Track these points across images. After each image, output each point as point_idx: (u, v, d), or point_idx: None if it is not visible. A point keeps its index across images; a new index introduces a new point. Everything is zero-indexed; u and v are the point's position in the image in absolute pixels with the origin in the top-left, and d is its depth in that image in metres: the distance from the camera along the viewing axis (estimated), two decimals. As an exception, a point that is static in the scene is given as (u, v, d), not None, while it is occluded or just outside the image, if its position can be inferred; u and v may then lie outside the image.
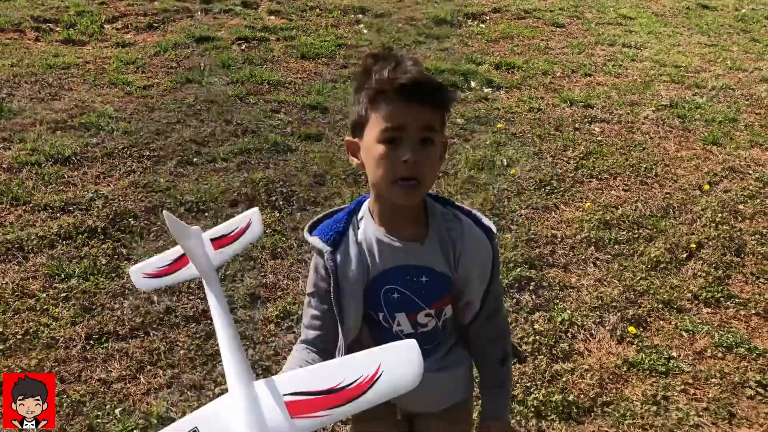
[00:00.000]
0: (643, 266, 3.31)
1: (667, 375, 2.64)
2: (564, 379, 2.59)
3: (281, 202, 3.74)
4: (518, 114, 5.12)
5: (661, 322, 2.96)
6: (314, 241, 1.34)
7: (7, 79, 5.24)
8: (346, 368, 0.94)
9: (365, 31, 6.93)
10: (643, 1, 8.83)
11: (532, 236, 3.50)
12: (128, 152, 4.21)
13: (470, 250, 1.32)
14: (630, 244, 3.49)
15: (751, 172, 4.36)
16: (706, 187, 4.10)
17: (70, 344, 2.68)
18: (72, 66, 5.60)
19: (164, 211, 1.27)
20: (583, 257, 3.38)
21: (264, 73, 5.65)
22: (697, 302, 3.10)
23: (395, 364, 0.95)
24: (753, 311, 3.05)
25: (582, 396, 2.51)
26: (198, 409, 1.04)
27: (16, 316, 2.81)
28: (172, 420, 2.32)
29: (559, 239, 3.50)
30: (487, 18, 7.68)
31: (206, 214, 3.60)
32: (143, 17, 6.92)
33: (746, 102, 5.58)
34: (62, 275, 3.06)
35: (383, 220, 1.32)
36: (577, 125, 4.94)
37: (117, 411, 2.36)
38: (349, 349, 1.35)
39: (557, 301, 3.04)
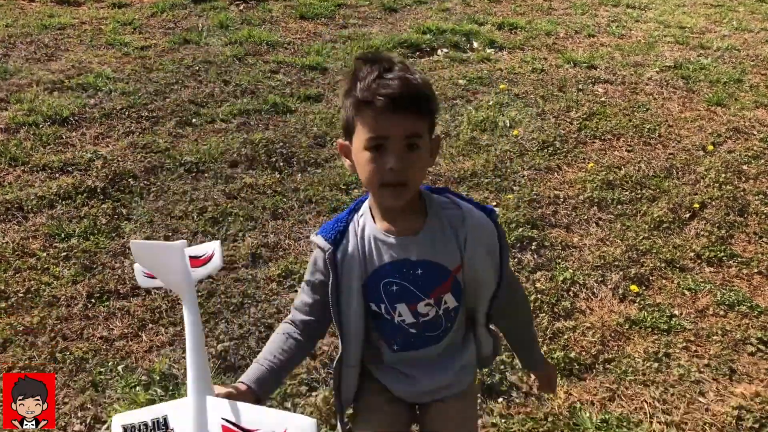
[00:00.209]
0: (646, 226, 3.29)
1: (669, 333, 2.64)
2: (566, 336, 2.59)
3: (281, 163, 3.71)
4: (521, 75, 5.06)
5: (664, 281, 2.95)
6: (317, 239, 1.40)
7: (2, 39, 5.17)
8: (273, 420, 1.17)
9: (365, -8, 6.82)
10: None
11: (535, 197, 3.47)
12: (126, 113, 4.17)
13: (474, 232, 1.35)
14: (633, 204, 3.47)
15: (755, 132, 4.32)
16: (710, 147, 4.06)
17: (72, 302, 2.68)
18: (68, 26, 5.52)
19: (131, 241, 1.33)
20: (586, 217, 3.36)
21: (262, 33, 5.57)
22: (699, 261, 3.09)
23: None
24: (755, 270, 3.04)
25: (584, 353, 2.52)
26: (168, 401, 1.33)
27: (17, 275, 2.80)
28: (175, 377, 2.33)
29: (562, 200, 3.48)
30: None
31: (206, 174, 3.57)
32: (139, -23, 6.81)
33: (752, 63, 5.50)
34: (62, 235, 3.05)
35: (381, 217, 1.37)
36: (580, 86, 4.88)
37: (119, 368, 2.37)
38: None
39: (559, 260, 3.02)
